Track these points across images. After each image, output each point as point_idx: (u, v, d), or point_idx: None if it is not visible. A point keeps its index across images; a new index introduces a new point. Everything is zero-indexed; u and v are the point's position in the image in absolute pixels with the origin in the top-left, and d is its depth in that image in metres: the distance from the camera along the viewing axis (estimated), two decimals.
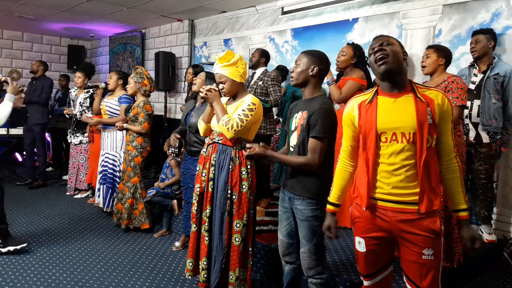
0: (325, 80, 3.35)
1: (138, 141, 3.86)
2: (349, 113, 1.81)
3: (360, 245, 1.80)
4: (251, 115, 2.38)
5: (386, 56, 1.66)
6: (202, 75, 3.23)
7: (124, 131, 4.09)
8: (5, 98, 3.16)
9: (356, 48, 3.48)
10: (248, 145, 2.11)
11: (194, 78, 3.29)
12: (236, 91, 2.50)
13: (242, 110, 2.39)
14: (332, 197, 1.92)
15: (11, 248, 3.21)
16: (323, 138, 2.02)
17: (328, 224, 1.92)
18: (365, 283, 1.86)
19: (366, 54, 3.66)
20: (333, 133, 2.09)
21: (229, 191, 2.43)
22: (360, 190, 1.77)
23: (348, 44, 3.59)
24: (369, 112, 1.71)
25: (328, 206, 1.93)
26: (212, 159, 2.49)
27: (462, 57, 3.61)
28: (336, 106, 3.38)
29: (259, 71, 3.93)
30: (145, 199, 3.89)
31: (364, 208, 1.74)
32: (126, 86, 4.05)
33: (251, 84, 3.88)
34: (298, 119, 2.13)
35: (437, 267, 1.69)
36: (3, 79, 3.32)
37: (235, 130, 2.34)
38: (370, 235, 1.76)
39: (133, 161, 3.85)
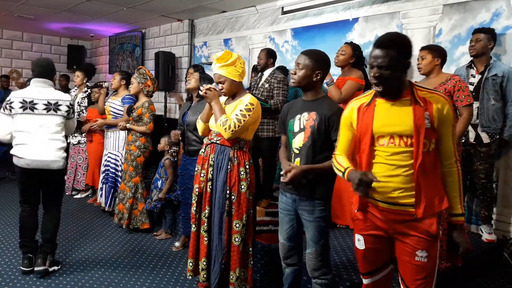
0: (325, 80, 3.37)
1: (141, 141, 3.87)
2: (349, 115, 1.80)
3: (359, 242, 1.81)
4: (249, 115, 2.37)
5: (382, 83, 1.64)
6: (196, 75, 3.24)
7: (126, 131, 4.09)
8: None
9: (355, 48, 3.49)
10: (282, 173, 2.04)
11: (187, 78, 3.29)
12: (235, 91, 2.50)
13: (240, 110, 2.38)
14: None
15: (56, 268, 3.04)
16: None
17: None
18: (365, 281, 1.86)
19: (364, 55, 3.72)
20: None
21: (227, 191, 2.42)
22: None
23: (347, 43, 3.60)
24: (366, 115, 1.71)
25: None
26: (210, 159, 2.48)
27: (463, 57, 3.61)
28: None
29: (267, 72, 3.92)
30: (152, 208, 3.84)
31: (355, 211, 1.77)
32: (129, 86, 4.05)
33: (258, 86, 3.87)
34: (304, 120, 2.11)
35: (430, 270, 1.67)
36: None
37: (232, 131, 2.33)
38: (368, 233, 1.78)
39: (135, 161, 3.85)
